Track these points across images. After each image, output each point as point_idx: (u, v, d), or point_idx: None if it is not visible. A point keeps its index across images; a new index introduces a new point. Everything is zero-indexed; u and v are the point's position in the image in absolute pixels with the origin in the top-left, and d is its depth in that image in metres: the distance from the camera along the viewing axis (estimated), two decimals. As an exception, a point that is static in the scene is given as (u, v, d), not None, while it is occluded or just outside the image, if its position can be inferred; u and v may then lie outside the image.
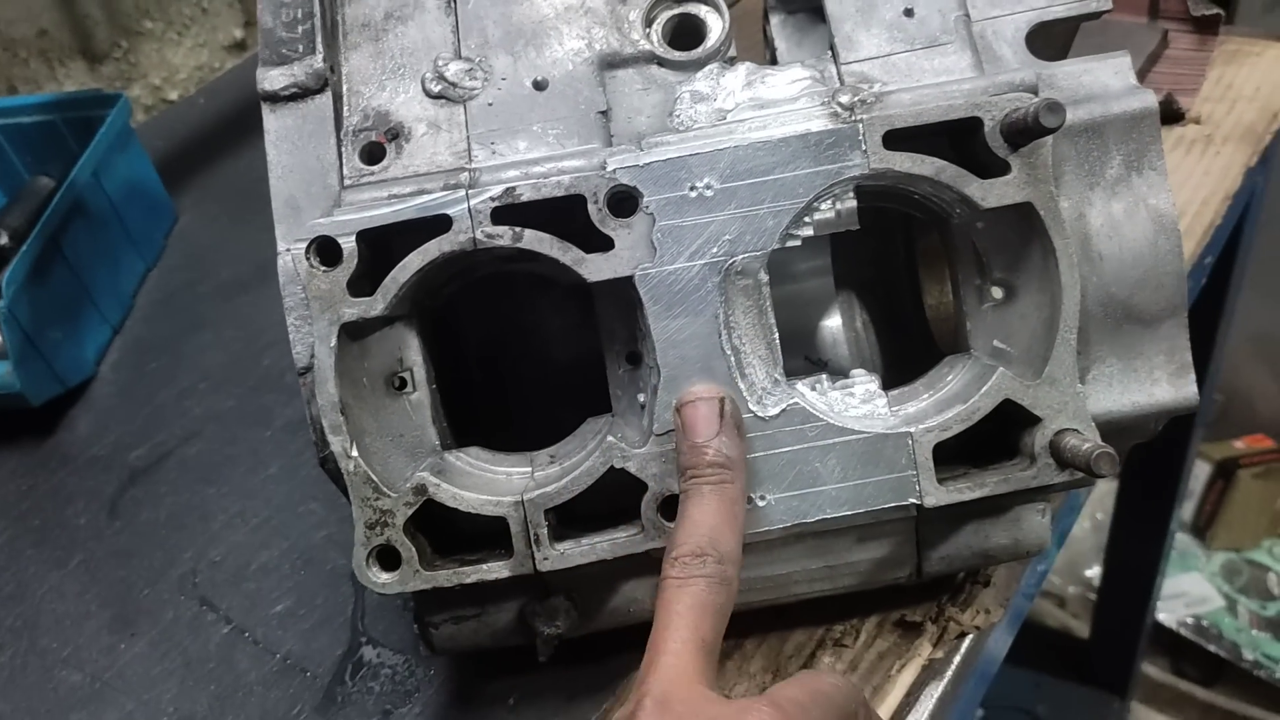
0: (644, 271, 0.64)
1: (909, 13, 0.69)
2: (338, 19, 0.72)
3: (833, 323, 0.82)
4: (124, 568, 0.89)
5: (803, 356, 0.81)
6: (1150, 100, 0.64)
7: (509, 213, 0.64)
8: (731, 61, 0.70)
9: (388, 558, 0.66)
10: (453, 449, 0.71)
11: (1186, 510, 2.69)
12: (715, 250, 0.64)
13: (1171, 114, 1.05)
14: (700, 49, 0.70)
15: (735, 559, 0.57)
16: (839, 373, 0.77)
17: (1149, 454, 1.58)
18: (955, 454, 0.67)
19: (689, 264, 0.64)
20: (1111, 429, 0.67)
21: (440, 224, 0.64)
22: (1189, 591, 2.55)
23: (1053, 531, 0.71)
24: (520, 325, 0.81)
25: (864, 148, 0.63)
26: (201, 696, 0.79)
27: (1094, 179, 0.65)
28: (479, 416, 0.79)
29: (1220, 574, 2.59)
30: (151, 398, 1.04)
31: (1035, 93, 0.64)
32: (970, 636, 0.74)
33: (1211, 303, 1.30)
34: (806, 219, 0.66)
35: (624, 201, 0.64)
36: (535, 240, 0.64)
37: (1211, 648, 2.41)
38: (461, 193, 0.64)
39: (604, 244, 0.64)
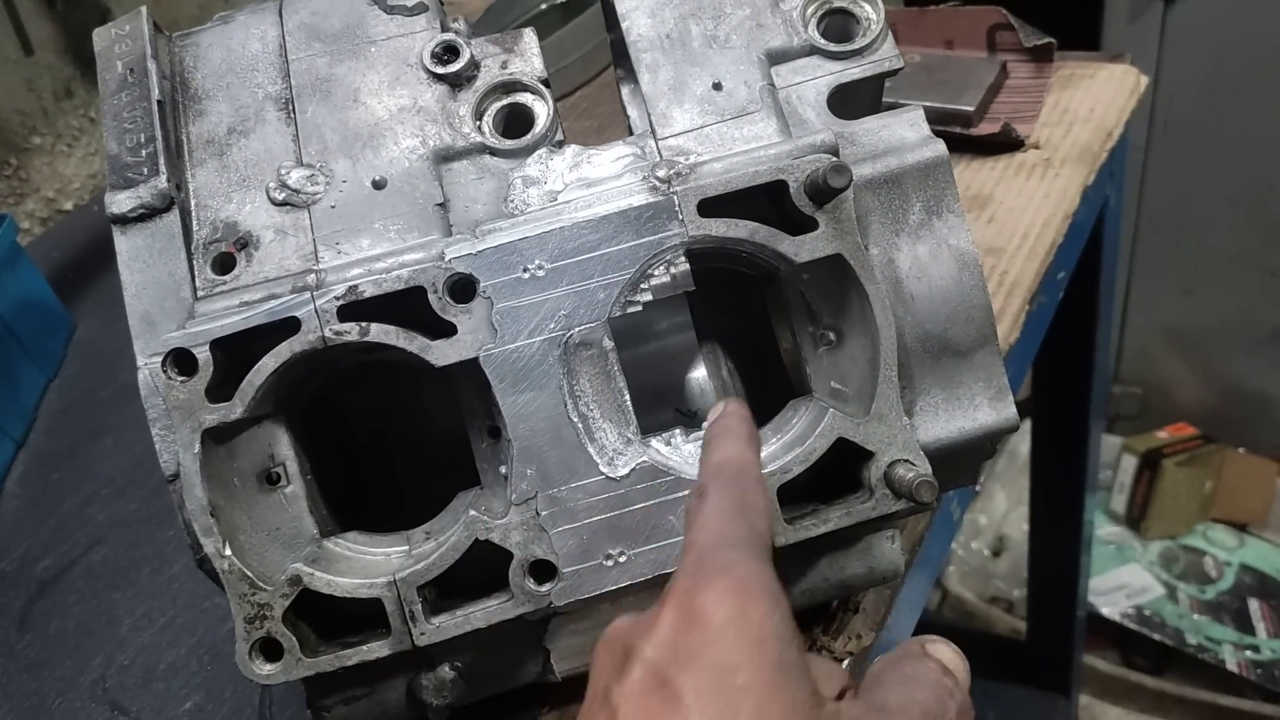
0: (488, 352, 0.68)
1: (718, 86, 0.74)
2: (182, 138, 0.76)
3: (699, 374, 0.86)
4: (35, 679, 0.91)
5: (673, 409, 0.85)
6: (941, 149, 0.70)
7: (356, 309, 0.68)
8: (560, 145, 0.74)
9: (270, 649, 0.68)
10: (334, 535, 0.74)
11: (1119, 503, 2.76)
12: (553, 326, 0.68)
13: (1011, 142, 1.12)
14: (528, 136, 0.74)
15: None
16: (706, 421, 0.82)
17: (1053, 447, 1.66)
18: (807, 491, 0.71)
19: (529, 341, 0.68)
20: (946, 454, 0.71)
21: (290, 326, 0.67)
22: (1129, 583, 2.61)
23: (905, 555, 0.75)
24: (402, 404, 0.84)
25: (681, 217, 0.67)
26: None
27: (898, 226, 0.70)
28: (370, 497, 0.81)
29: (1158, 562, 2.66)
30: (56, 508, 1.06)
31: (835, 153, 0.69)
32: (846, 661, 0.78)
33: (1082, 310, 1.36)
34: (643, 285, 0.70)
35: (463, 288, 0.68)
36: (381, 333, 0.68)
37: (1156, 636, 2.47)
38: (308, 295, 0.68)
39: (448, 329, 0.68)
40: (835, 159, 0.66)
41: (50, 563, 1.00)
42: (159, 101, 0.74)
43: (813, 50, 0.74)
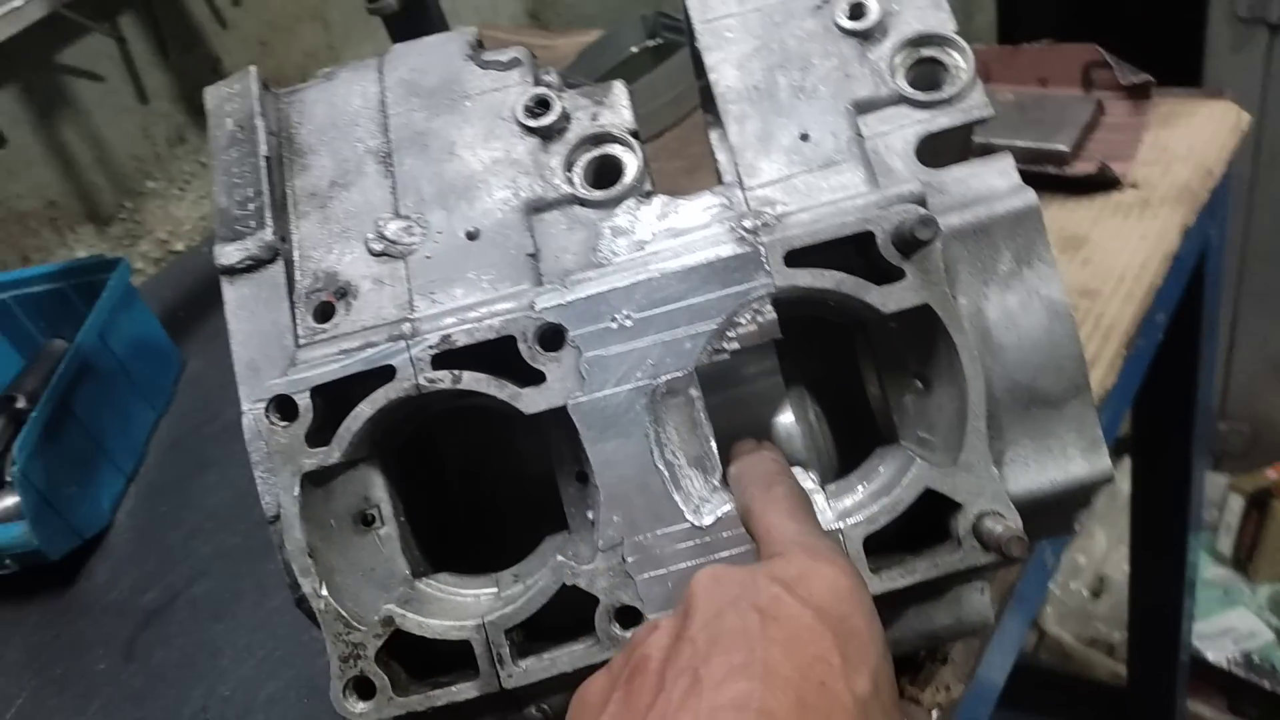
0: (575, 401, 0.69)
1: (805, 137, 0.74)
2: (287, 191, 0.79)
3: (786, 419, 0.86)
4: (140, 709, 0.94)
5: (760, 453, 0.85)
6: (1031, 198, 0.69)
7: (449, 357, 0.70)
8: (648, 195, 0.75)
9: (363, 688, 0.70)
10: (425, 575, 0.76)
11: (1225, 544, 2.66)
12: (639, 375, 0.69)
13: (1107, 181, 1.10)
14: (617, 186, 0.75)
15: None
16: (796, 465, 0.82)
17: (1155, 486, 1.61)
18: (894, 541, 0.71)
19: (616, 390, 0.69)
20: (1037, 505, 0.70)
21: (386, 373, 0.70)
22: (1236, 627, 2.51)
23: (995, 605, 0.73)
24: (495, 446, 0.86)
25: (767, 268, 0.68)
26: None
27: (987, 275, 0.69)
28: (461, 537, 0.83)
29: (1267, 606, 2.55)
30: (163, 540, 1.10)
31: (923, 203, 0.69)
32: (935, 712, 0.77)
33: (1184, 348, 1.32)
34: (730, 333, 0.71)
35: (552, 337, 0.69)
36: (473, 381, 0.70)
37: (1265, 684, 2.37)
38: (403, 343, 0.70)
39: (537, 378, 0.69)
40: (922, 210, 0.66)
41: (156, 594, 1.04)
42: (266, 157, 0.77)
43: (900, 99, 0.74)
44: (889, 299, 0.67)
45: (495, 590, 0.74)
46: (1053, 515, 0.74)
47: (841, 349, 0.87)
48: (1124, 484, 2.46)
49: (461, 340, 0.70)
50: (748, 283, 0.68)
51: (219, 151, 0.79)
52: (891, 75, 0.75)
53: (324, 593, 0.70)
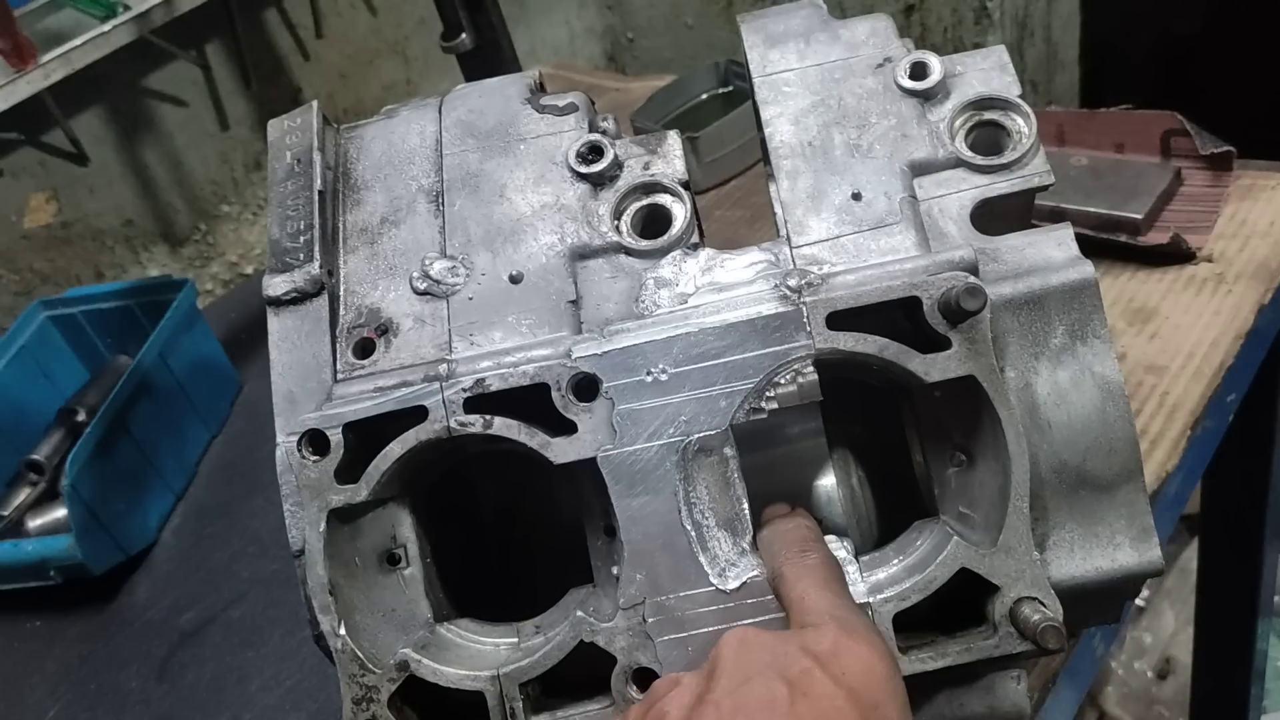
0: (605, 453, 0.68)
1: (857, 196, 0.72)
2: (339, 225, 0.80)
3: (827, 482, 0.84)
4: (166, 731, 0.95)
5: (799, 516, 0.83)
6: (1088, 271, 0.66)
7: (482, 401, 0.69)
8: (695, 247, 0.74)
9: (377, 731, 0.69)
10: (448, 620, 0.75)
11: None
12: (672, 431, 0.67)
13: (1181, 253, 1.06)
14: (664, 238, 0.74)
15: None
16: (834, 531, 0.79)
17: (1224, 568, 1.54)
18: (927, 618, 0.68)
19: (648, 444, 0.67)
20: (1080, 593, 0.67)
21: (418, 414, 0.69)
22: (1312, 725, 2.38)
23: (1033, 695, 0.70)
24: (532, 490, 0.85)
25: (809, 329, 0.66)
26: None
27: (1038, 349, 0.67)
28: (490, 579, 0.82)
29: (1347, 704, 2.42)
30: (206, 561, 1.11)
31: (975, 270, 0.67)
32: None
33: (1259, 428, 1.27)
34: (769, 393, 0.69)
35: (586, 387, 0.68)
36: (504, 427, 0.69)
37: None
38: (437, 385, 0.69)
39: (569, 427, 0.68)
40: (971, 279, 0.64)
41: (194, 615, 1.05)
42: (320, 191, 0.78)
43: (959, 163, 0.73)
44: (933, 368, 0.65)
45: (516, 640, 0.73)
46: (1098, 603, 0.70)
47: (889, 414, 0.85)
48: (1195, 561, 2.37)
49: (495, 385, 0.69)
50: (788, 343, 0.66)
51: (276, 183, 0.80)
52: (951, 138, 0.73)
53: (342, 631, 0.69)
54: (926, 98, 0.75)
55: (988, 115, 0.74)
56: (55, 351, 1.29)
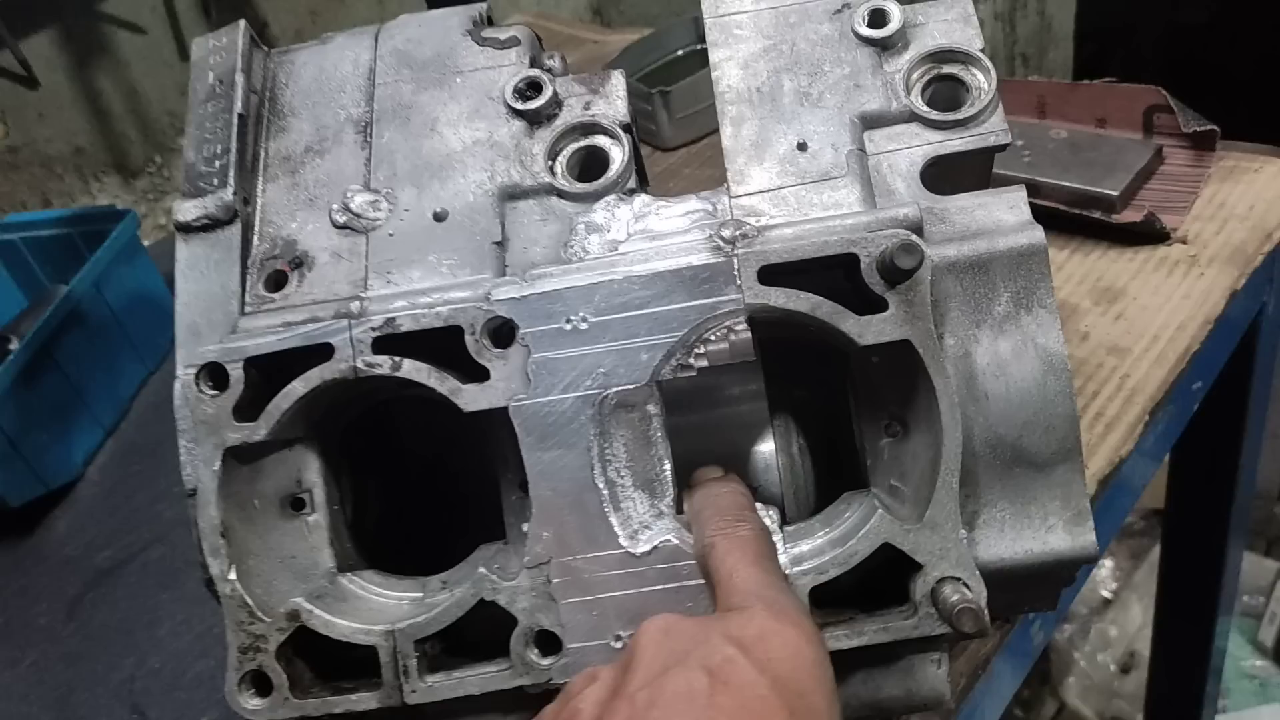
0: (518, 403, 0.64)
1: (802, 147, 0.68)
2: (260, 152, 0.75)
3: (766, 448, 0.80)
4: (70, 670, 0.91)
5: (733, 482, 0.80)
6: (1038, 236, 0.63)
7: (392, 342, 0.65)
8: (631, 193, 0.70)
9: (260, 683, 0.66)
10: (355, 570, 0.71)
11: (1268, 634, 2.52)
12: (589, 383, 0.63)
13: (1154, 233, 1.02)
14: (599, 181, 0.70)
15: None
16: (768, 500, 0.76)
17: (1186, 564, 1.51)
18: (850, 594, 0.65)
19: (563, 396, 0.64)
20: (1009, 576, 0.63)
21: (324, 352, 0.65)
22: (1270, 723, 2.37)
23: (957, 680, 0.67)
24: (458, 439, 0.82)
25: (739, 282, 0.62)
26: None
27: (981, 316, 0.63)
28: (420, 532, 0.79)
29: (1306, 702, 2.41)
30: (129, 500, 1.08)
31: (919, 229, 0.63)
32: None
33: (1227, 422, 1.24)
34: (699, 349, 0.66)
35: (503, 333, 0.64)
36: (413, 370, 0.65)
37: (1295, 784, 2.23)
38: (345, 322, 0.65)
39: (482, 374, 0.64)
40: (913, 236, 0.60)
41: (111, 554, 1.01)
42: (240, 115, 0.74)
43: (912, 117, 0.68)
44: (867, 330, 0.61)
45: (420, 595, 0.69)
46: (1030, 588, 0.67)
47: (835, 379, 0.82)
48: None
49: (406, 325, 0.65)
50: (716, 296, 0.63)
51: (196, 104, 0.76)
52: (906, 90, 0.69)
53: (232, 576, 0.66)
54: (884, 47, 0.71)
55: (947, 69, 0.70)
56: (-5, 275, 1.24)
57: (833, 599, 0.64)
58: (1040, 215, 1.06)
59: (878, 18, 0.71)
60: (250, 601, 0.66)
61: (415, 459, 0.80)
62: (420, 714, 0.68)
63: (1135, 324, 0.94)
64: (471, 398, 0.64)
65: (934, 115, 0.68)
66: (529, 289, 0.65)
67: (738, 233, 0.65)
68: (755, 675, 0.48)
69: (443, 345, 0.65)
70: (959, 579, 0.60)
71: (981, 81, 0.69)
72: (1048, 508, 0.62)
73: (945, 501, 0.60)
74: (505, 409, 0.64)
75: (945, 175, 0.69)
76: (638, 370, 0.63)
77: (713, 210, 0.68)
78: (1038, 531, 0.62)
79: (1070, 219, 1.06)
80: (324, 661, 0.68)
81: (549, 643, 0.64)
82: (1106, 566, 2.63)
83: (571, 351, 0.64)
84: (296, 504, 0.71)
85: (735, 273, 0.62)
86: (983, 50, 0.69)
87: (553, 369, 0.64)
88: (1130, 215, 1.05)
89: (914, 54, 0.70)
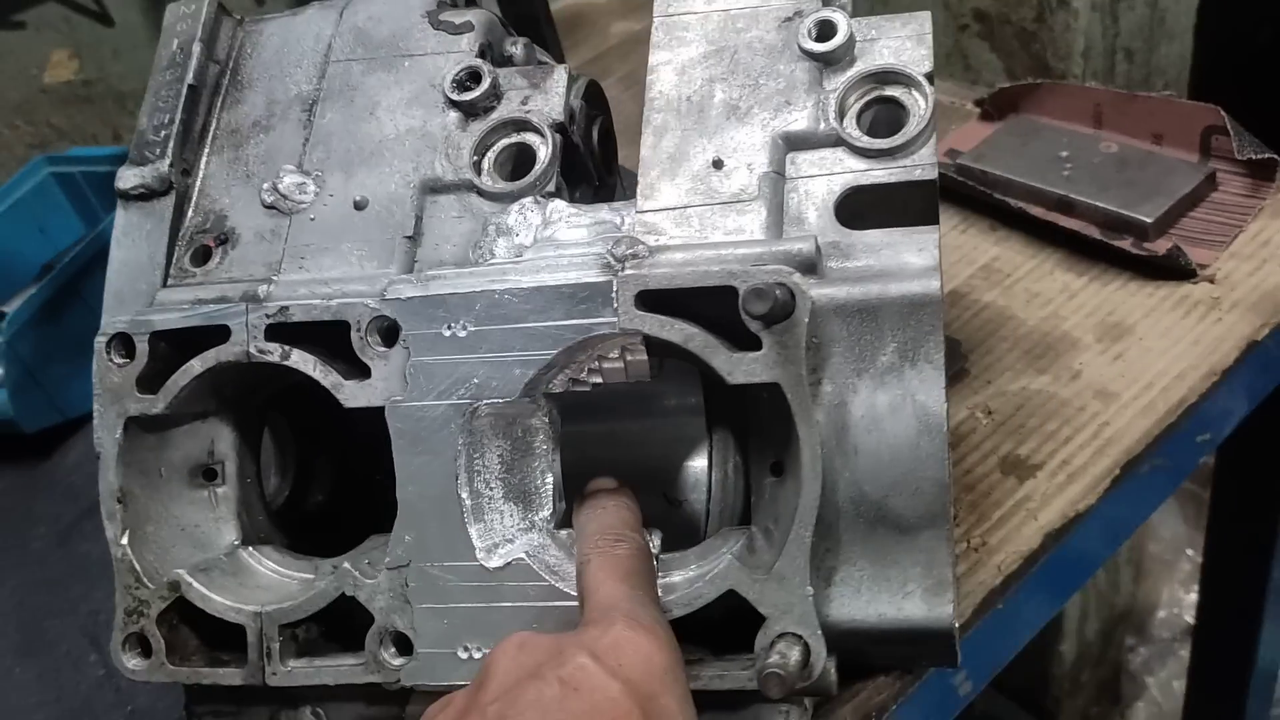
0: (393, 404, 0.64)
1: (718, 164, 0.65)
2: (211, 123, 0.77)
3: (698, 464, 0.78)
4: (48, 595, 0.97)
5: (660, 494, 0.78)
6: (932, 287, 0.58)
7: (287, 330, 0.66)
8: (549, 196, 0.69)
9: (144, 645, 0.68)
10: (261, 545, 0.73)
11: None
12: (462, 392, 0.63)
13: (1178, 269, 0.94)
14: (520, 182, 0.69)
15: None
16: (693, 516, 0.74)
17: (1217, 649, 1.39)
18: (716, 633, 0.63)
19: (436, 403, 0.63)
20: (859, 639, 0.60)
21: (223, 334, 0.67)
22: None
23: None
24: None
25: (616, 305, 0.60)
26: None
27: (863, 365, 0.59)
28: (357, 511, 0.80)
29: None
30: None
31: (812, 265, 0.60)
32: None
33: (1248, 470, 1.13)
34: (592, 366, 0.64)
35: (386, 333, 0.64)
36: (300, 360, 0.66)
37: None
38: (243, 306, 0.67)
39: (364, 372, 0.65)
40: (792, 275, 0.57)
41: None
42: (191, 85, 0.75)
43: (838, 141, 0.64)
44: (737, 369, 0.58)
45: (311, 577, 0.70)
46: (885, 653, 0.64)
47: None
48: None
49: (298, 316, 0.66)
50: (592, 317, 0.61)
51: (157, 71, 0.77)
52: (840, 111, 0.65)
53: (123, 541, 0.69)
54: (828, 62, 0.67)
55: (889, 91, 0.65)
56: (55, 208, 1.31)
57: (696, 635, 0.62)
58: (1062, 238, 1.01)
59: (825, 30, 0.66)
60: (139, 567, 0.68)
61: (355, 442, 0.81)
62: (287, 695, 0.69)
63: (1133, 367, 0.87)
64: (351, 394, 0.65)
65: (860, 142, 0.64)
66: (419, 290, 0.64)
67: (629, 251, 0.62)
68: (606, 680, 0.49)
69: (342, 337, 0.66)
70: (799, 636, 0.57)
71: (921, 107, 0.64)
72: (908, 573, 0.59)
73: (795, 555, 0.58)
74: (382, 409, 0.64)
75: (878, 204, 0.65)
76: (510, 384, 0.62)
77: (619, 224, 0.66)
78: (894, 596, 0.59)
79: (1091, 244, 0.99)
80: (214, 631, 0.70)
81: (403, 644, 0.64)
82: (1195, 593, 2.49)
83: (448, 358, 0.63)
84: (209, 474, 0.74)
85: (614, 295, 0.60)
86: (927, 75, 0.65)
87: (430, 374, 0.63)
88: (1159, 245, 0.96)
89: (855, 72, 0.66)
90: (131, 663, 0.68)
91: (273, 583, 0.71)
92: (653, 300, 0.60)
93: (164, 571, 0.69)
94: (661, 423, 0.78)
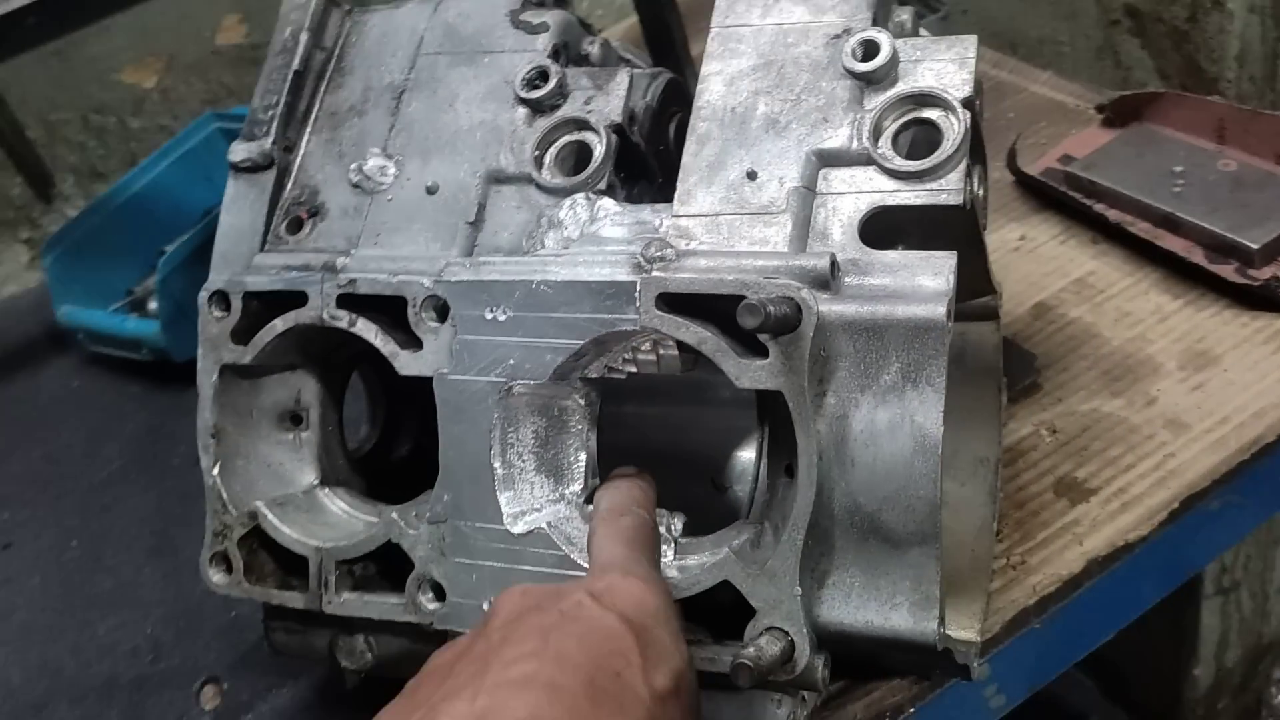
0: (441, 375, 0.70)
1: (752, 175, 0.69)
2: (315, 104, 0.84)
3: (747, 455, 0.82)
4: (180, 507, 1.09)
5: (709, 478, 0.83)
6: (937, 313, 0.60)
7: (356, 300, 0.74)
8: (601, 193, 0.73)
9: (226, 563, 0.78)
10: (337, 487, 0.82)
11: None
12: (499, 371, 0.69)
13: (1275, 300, 0.90)
14: (576, 178, 0.74)
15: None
16: (736, 504, 0.79)
17: None
18: (717, 619, 0.67)
19: (476, 378, 0.70)
20: (846, 643, 0.64)
21: (300, 299, 0.75)
22: None
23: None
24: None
25: (638, 304, 0.65)
26: (168, 630, 0.98)
27: (867, 381, 0.62)
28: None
29: None
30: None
31: (825, 282, 0.63)
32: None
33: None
34: (627, 356, 0.69)
35: (441, 310, 0.71)
36: (364, 328, 0.73)
37: None
38: (320, 276, 0.74)
39: (419, 343, 0.72)
40: (799, 289, 0.60)
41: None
42: (296, 71, 0.83)
43: (869, 160, 0.67)
44: (744, 374, 0.62)
45: (376, 520, 0.78)
46: (872, 658, 0.67)
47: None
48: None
49: (363, 289, 0.73)
50: (617, 313, 0.66)
51: (272, 55, 0.85)
52: (875, 131, 0.67)
53: (215, 472, 0.78)
54: (869, 82, 0.68)
55: (926, 113, 0.67)
56: (220, 159, 1.42)
57: (705, 617, 0.66)
58: (1162, 257, 0.97)
59: (869, 49, 0.68)
60: (225, 496, 0.78)
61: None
62: (345, 623, 0.78)
63: (1211, 398, 0.85)
64: (406, 363, 0.72)
65: (890, 163, 0.66)
66: (469, 275, 0.70)
67: (658, 254, 0.67)
68: (602, 611, 0.54)
69: (403, 310, 0.73)
70: (785, 631, 0.62)
71: (954, 133, 0.65)
72: (897, 585, 0.62)
73: (787, 554, 0.62)
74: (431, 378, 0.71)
75: (908, 226, 0.67)
76: (541, 368, 0.68)
77: (657, 225, 0.70)
78: (882, 606, 0.62)
79: (1189, 268, 0.96)
80: (288, 558, 0.79)
81: (439, 591, 0.71)
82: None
83: (489, 339, 0.69)
84: (295, 419, 0.83)
85: (637, 294, 0.65)
86: (965, 100, 0.66)
87: (473, 351, 0.70)
88: (1263, 273, 0.93)
89: (894, 93, 0.68)
90: (216, 577, 0.78)
91: (340, 521, 0.79)
92: (673, 302, 0.65)
93: (247, 502, 0.78)
94: (717, 412, 0.83)
